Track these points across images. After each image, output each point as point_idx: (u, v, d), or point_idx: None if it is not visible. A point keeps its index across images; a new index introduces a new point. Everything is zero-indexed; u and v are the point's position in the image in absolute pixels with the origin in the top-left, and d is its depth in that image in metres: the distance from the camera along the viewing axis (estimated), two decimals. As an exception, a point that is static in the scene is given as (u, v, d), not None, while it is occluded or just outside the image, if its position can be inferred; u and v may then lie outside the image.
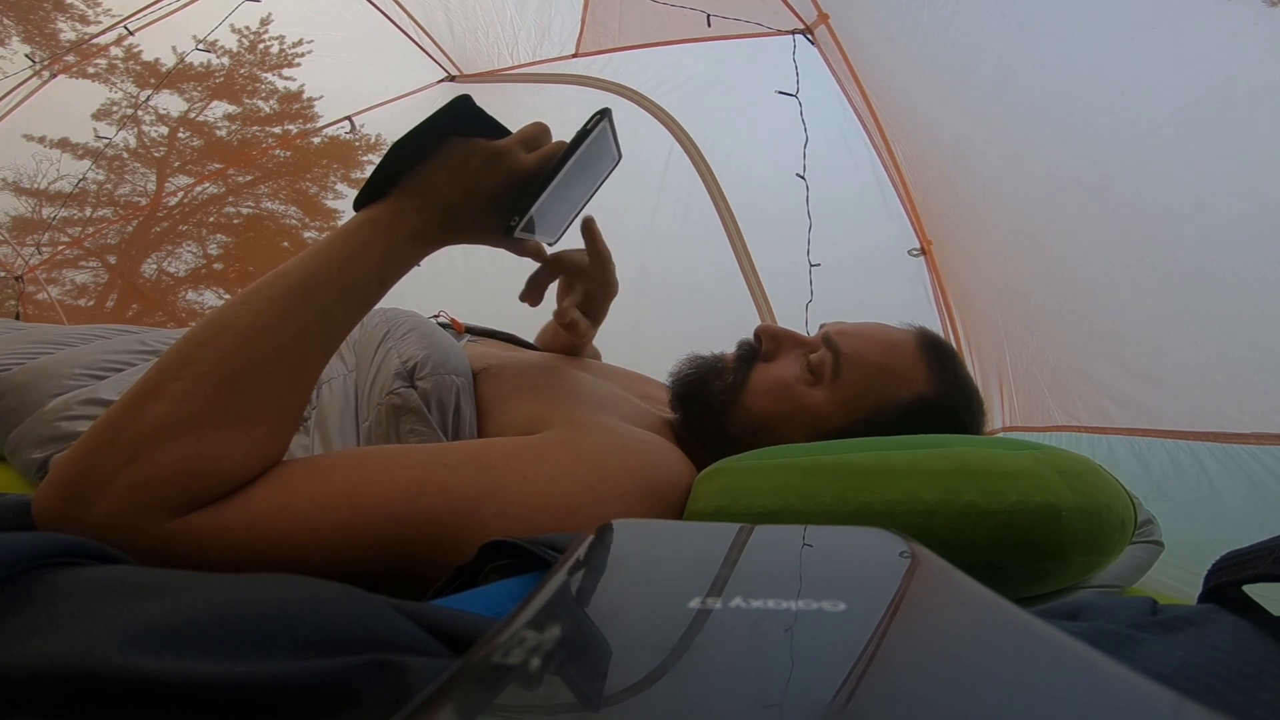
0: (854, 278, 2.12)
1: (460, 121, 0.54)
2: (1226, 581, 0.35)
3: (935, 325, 2.13)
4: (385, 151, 0.53)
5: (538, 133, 0.56)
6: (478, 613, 0.26)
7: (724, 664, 0.17)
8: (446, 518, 0.45)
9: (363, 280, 0.51)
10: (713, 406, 0.69)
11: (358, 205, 0.54)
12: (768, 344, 0.71)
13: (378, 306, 0.75)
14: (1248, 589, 0.34)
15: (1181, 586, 0.79)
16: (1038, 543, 0.45)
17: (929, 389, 0.65)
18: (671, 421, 0.74)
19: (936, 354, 0.67)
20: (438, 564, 0.42)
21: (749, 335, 0.74)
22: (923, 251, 2.09)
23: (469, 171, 0.53)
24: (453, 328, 0.89)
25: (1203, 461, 1.41)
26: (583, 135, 0.53)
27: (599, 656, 0.17)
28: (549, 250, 0.66)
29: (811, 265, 2.03)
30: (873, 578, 0.24)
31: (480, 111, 0.54)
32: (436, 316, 0.91)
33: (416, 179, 0.53)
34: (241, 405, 0.44)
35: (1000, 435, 1.76)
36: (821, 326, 0.71)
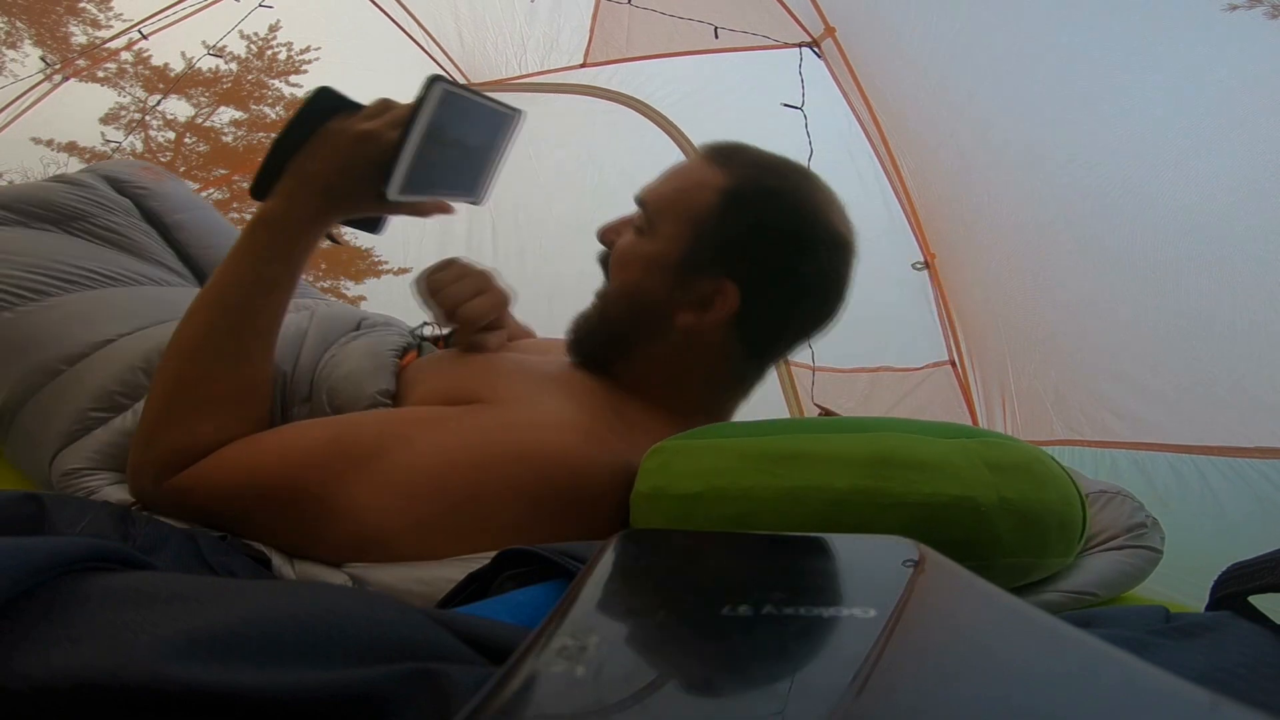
0: (857, 290, 2.11)
1: (326, 111, 0.60)
2: (1233, 592, 0.35)
3: (938, 338, 2.14)
4: (269, 146, 0.61)
5: (384, 106, 0.60)
6: (503, 621, 0.26)
7: (760, 668, 0.17)
8: (338, 467, 0.54)
9: (271, 275, 0.60)
10: (590, 325, 0.70)
11: (253, 194, 0.62)
12: (609, 235, 0.72)
13: (364, 318, 0.82)
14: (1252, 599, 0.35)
15: (1183, 599, 0.79)
16: (953, 539, 0.43)
17: (728, 181, 0.64)
18: (586, 369, 0.70)
19: (723, 151, 0.67)
20: (333, 514, 0.52)
21: None
22: (926, 265, 2.10)
23: (341, 154, 0.59)
24: (436, 346, 0.88)
25: (1206, 475, 1.41)
26: (418, 100, 0.57)
27: (637, 663, 0.17)
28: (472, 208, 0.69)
29: (815, 277, 2.04)
30: (893, 585, 0.24)
31: (342, 98, 0.61)
32: (420, 327, 0.90)
33: (294, 171, 0.60)
34: (197, 399, 0.57)
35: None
36: None
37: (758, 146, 0.70)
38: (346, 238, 0.68)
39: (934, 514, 0.44)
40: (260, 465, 0.55)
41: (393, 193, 0.58)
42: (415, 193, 0.61)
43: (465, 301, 0.68)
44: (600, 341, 0.69)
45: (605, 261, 0.71)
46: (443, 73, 0.61)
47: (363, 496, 0.53)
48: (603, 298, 0.70)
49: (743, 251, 0.64)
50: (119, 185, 0.98)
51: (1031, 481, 0.47)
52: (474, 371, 0.67)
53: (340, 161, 0.59)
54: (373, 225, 0.67)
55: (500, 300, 0.73)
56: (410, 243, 2.76)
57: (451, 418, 0.58)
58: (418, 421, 0.58)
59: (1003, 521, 0.44)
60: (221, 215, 1.15)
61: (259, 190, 0.61)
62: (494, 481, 0.54)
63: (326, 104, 0.60)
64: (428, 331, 0.89)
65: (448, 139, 0.61)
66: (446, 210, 0.67)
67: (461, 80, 2.78)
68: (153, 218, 0.99)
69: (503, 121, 0.67)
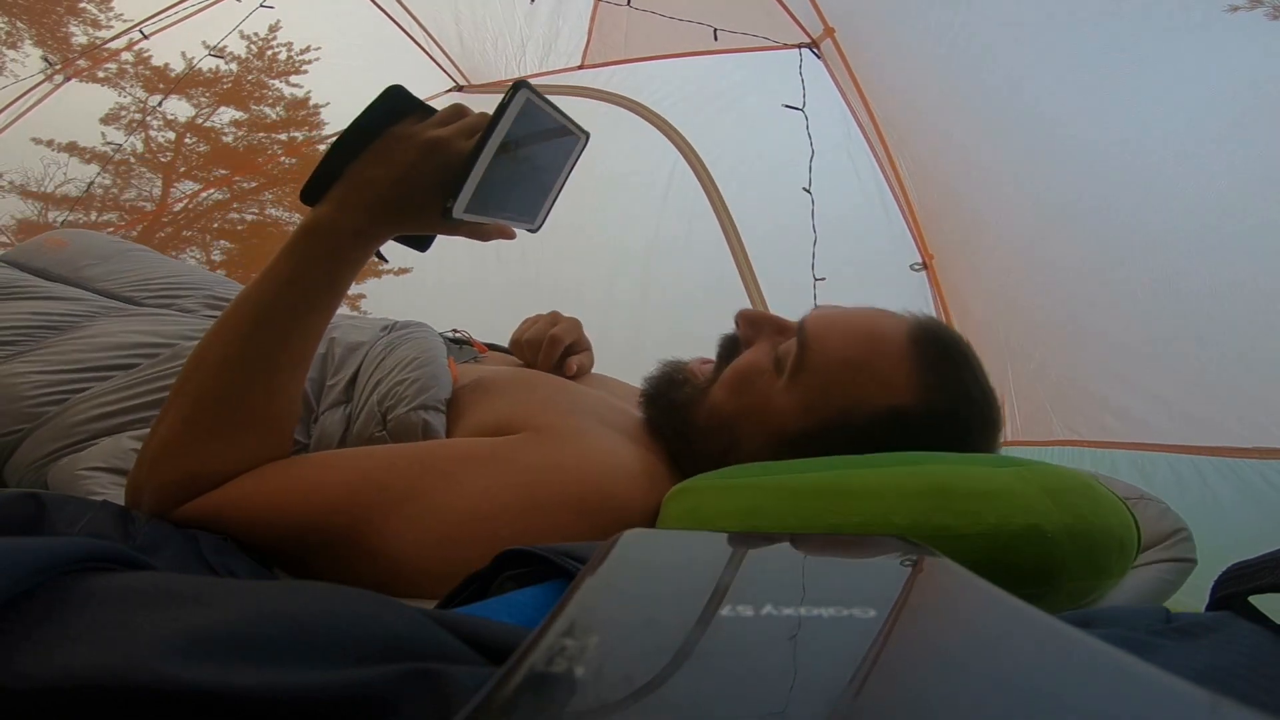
0: (856, 292, 2.13)
1: (395, 113, 0.54)
2: (1233, 593, 0.35)
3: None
4: (328, 147, 0.54)
5: (457, 112, 0.55)
6: (503, 621, 0.26)
7: (760, 668, 0.17)
8: (375, 508, 0.50)
9: (313, 292, 0.54)
10: (677, 402, 0.65)
11: (303, 198, 0.55)
12: (745, 329, 0.65)
13: (391, 324, 0.78)
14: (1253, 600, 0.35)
15: (1183, 599, 0.78)
16: (1021, 568, 0.42)
17: (910, 398, 0.55)
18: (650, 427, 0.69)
19: (933, 354, 0.57)
20: (368, 555, 0.49)
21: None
22: (924, 266, 2.10)
23: (403, 163, 0.53)
24: (472, 347, 0.89)
25: (1205, 475, 1.41)
26: (500, 109, 0.52)
27: (637, 663, 0.17)
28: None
29: (816, 279, 2.04)
30: (893, 585, 0.24)
31: (414, 100, 0.55)
32: (454, 332, 0.91)
33: (350, 177, 0.54)
34: (222, 421, 0.51)
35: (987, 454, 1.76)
36: (814, 309, 0.64)
37: (977, 362, 0.60)
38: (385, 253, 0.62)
39: (1000, 544, 0.42)
40: (290, 503, 0.50)
41: (458, 210, 0.51)
42: (479, 213, 0.54)
43: (548, 331, 0.80)
44: (672, 426, 0.65)
45: (723, 352, 0.66)
46: (525, 78, 0.55)
47: (403, 538, 0.49)
48: (699, 396, 0.64)
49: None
50: (23, 268, 0.90)
51: (1089, 505, 0.45)
52: (530, 398, 0.63)
53: (402, 170, 0.52)
54: (421, 243, 0.60)
55: (574, 323, 0.85)
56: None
57: (501, 453, 0.54)
58: (463, 458, 0.54)
59: (1068, 546, 0.42)
60: (152, 251, 1.04)
61: (310, 194, 0.55)
62: (545, 526, 0.51)
63: (396, 105, 0.54)
64: (461, 337, 0.91)
65: (519, 155, 0.55)
66: (508, 235, 0.60)
67: (463, 81, 2.78)
68: (66, 282, 0.90)
69: (570, 141, 0.61)
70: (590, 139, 0.62)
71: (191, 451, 0.51)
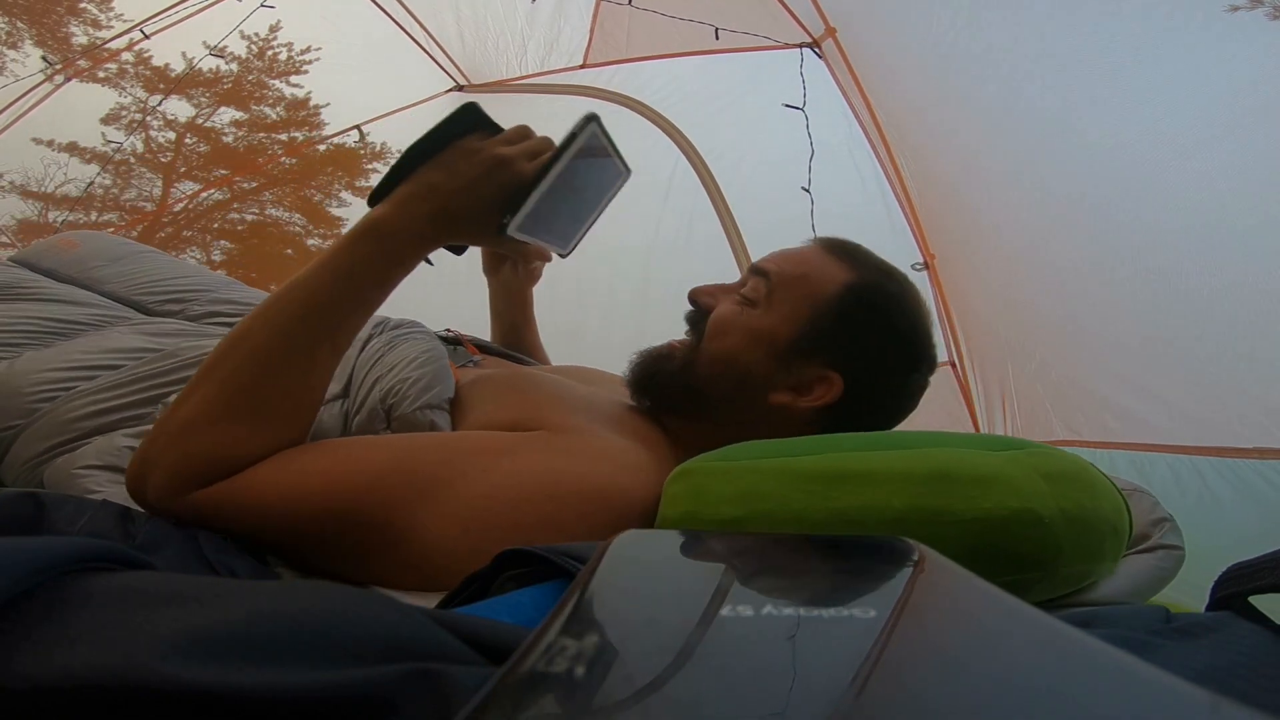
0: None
1: (468, 128, 0.57)
2: (1233, 593, 0.35)
3: (938, 339, 2.14)
4: (400, 154, 0.57)
5: (523, 133, 0.58)
6: (503, 621, 0.26)
7: (760, 668, 0.17)
8: (403, 496, 0.50)
9: (365, 288, 0.56)
10: (671, 371, 0.70)
11: (370, 203, 0.58)
12: (705, 298, 0.73)
13: (384, 320, 0.79)
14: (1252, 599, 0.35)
15: (1183, 599, 0.79)
16: (1017, 552, 0.43)
17: (851, 276, 0.67)
18: (647, 413, 0.73)
19: (842, 248, 0.70)
20: (393, 542, 0.49)
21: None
22: (926, 266, 2.10)
23: (470, 177, 0.55)
24: (464, 348, 0.89)
25: (1205, 476, 1.41)
26: (571, 137, 0.56)
27: (637, 663, 0.17)
28: (562, 261, 0.68)
29: (816, 278, 2.04)
30: (894, 585, 0.24)
31: (485, 117, 0.58)
32: (446, 332, 0.91)
33: (417, 183, 0.56)
34: (253, 405, 0.51)
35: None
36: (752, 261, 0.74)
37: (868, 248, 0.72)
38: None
39: (997, 528, 0.43)
40: (311, 489, 0.50)
41: (513, 228, 0.55)
42: (529, 233, 0.58)
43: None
44: (676, 393, 0.69)
45: (694, 321, 0.73)
46: (594, 111, 0.57)
47: (431, 527, 0.49)
48: (692, 356, 0.69)
49: (857, 348, 0.65)
50: (33, 268, 0.91)
51: (1085, 490, 0.46)
52: (535, 398, 0.65)
53: (465, 182, 0.55)
54: (459, 248, 0.63)
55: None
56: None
57: (521, 446, 0.56)
58: (487, 450, 0.55)
59: (1063, 531, 0.43)
60: (161, 254, 1.04)
61: (377, 199, 0.57)
62: (568, 514, 0.52)
63: (469, 120, 0.57)
64: (452, 335, 0.91)
65: (572, 183, 0.59)
66: (545, 257, 0.65)
67: (462, 82, 2.78)
68: (75, 283, 0.91)
69: (614, 176, 0.66)
70: (630, 177, 0.67)
71: (214, 433, 0.50)
